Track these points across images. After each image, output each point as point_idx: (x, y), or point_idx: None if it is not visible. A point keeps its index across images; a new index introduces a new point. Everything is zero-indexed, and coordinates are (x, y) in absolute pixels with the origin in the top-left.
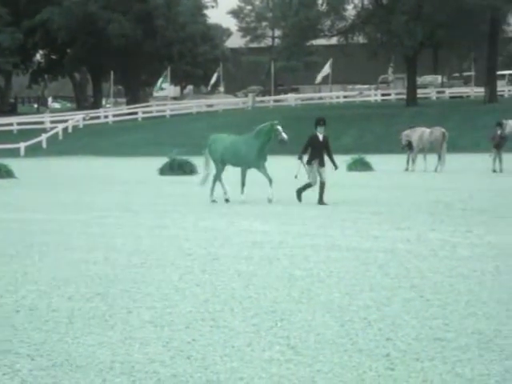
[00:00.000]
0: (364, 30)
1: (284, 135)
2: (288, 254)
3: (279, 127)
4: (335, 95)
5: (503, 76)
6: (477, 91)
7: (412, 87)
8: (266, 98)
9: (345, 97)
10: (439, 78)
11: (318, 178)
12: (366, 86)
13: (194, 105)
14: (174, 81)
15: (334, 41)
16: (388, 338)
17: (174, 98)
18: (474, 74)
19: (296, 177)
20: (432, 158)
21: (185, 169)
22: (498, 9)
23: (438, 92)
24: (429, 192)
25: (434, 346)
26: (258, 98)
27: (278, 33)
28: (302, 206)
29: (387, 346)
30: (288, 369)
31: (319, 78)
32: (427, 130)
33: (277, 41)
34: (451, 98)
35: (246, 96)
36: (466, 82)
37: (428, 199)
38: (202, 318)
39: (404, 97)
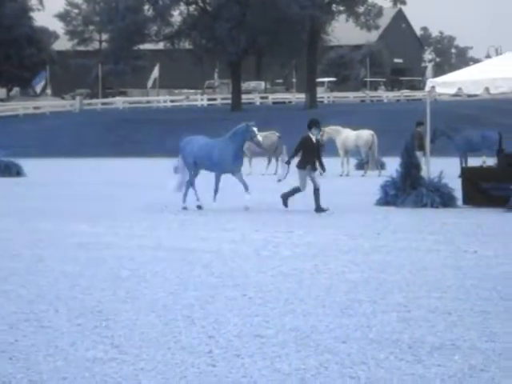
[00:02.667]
0: (190, 35)
1: (259, 137)
2: (115, 254)
3: (255, 128)
4: (163, 99)
5: (323, 83)
6: (298, 97)
7: (237, 92)
8: (94, 100)
9: (172, 101)
10: (262, 83)
11: (312, 185)
12: (192, 91)
13: (21, 106)
14: (0, 83)
15: (161, 46)
16: (210, 336)
17: (0, 100)
18: (295, 80)
19: (279, 180)
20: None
21: (11, 170)
22: (317, 18)
23: (262, 97)
24: (254, 194)
25: (254, 343)
26: (86, 101)
27: (105, 37)
28: (129, 208)
29: (209, 343)
30: (111, 367)
31: (150, 82)
32: (261, 134)
33: (104, 44)
34: (274, 103)
35: (74, 99)
36: (288, 88)
37: (255, 200)
38: (26, 318)
39: (229, 102)
